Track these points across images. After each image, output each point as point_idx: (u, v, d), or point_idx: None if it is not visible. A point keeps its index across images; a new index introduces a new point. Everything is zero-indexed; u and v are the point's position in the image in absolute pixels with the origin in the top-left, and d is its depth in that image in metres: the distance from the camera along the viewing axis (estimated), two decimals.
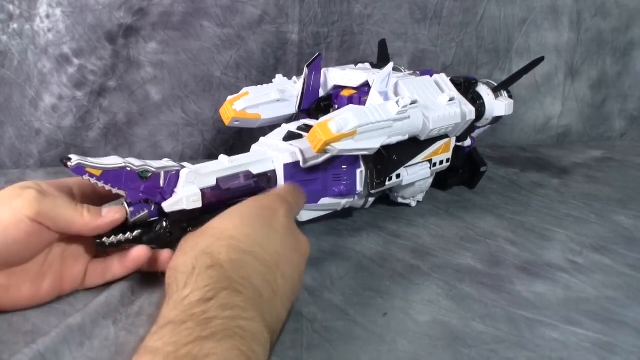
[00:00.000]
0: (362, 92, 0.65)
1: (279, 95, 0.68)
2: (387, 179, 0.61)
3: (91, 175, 0.40)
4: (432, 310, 0.48)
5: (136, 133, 0.91)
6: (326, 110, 0.67)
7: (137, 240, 0.44)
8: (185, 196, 0.45)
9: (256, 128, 0.69)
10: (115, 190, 0.42)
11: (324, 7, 0.95)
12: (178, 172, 0.45)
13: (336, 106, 0.67)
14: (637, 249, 0.63)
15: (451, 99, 0.63)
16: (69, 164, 0.40)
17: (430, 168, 0.66)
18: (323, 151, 0.51)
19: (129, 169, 0.42)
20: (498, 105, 0.72)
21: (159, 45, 0.89)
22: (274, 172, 0.53)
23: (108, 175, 0.41)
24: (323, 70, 0.69)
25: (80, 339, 0.41)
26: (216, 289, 0.31)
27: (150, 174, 0.43)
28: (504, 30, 1.09)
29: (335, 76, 0.69)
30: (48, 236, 0.40)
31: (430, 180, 0.71)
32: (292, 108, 0.69)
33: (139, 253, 0.44)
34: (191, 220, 0.46)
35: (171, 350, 0.27)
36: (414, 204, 0.72)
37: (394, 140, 0.56)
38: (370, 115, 0.53)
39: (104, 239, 0.43)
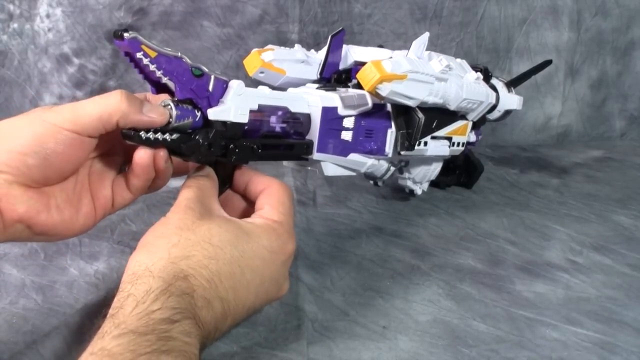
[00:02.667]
0: None
1: (304, 56, 0.68)
2: (417, 143, 0.61)
3: (145, 55, 0.37)
4: (433, 310, 0.48)
5: None
6: (346, 83, 0.67)
7: (174, 145, 0.40)
8: (234, 106, 0.43)
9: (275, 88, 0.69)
10: (165, 80, 0.39)
11: (324, 6, 0.95)
12: (226, 82, 0.43)
13: (355, 81, 0.67)
14: (637, 248, 0.63)
15: (477, 78, 0.65)
16: (125, 35, 0.36)
17: (449, 147, 0.67)
18: (373, 91, 0.51)
19: (184, 60, 0.40)
20: (511, 99, 0.74)
21: (159, 45, 0.89)
22: (308, 117, 0.51)
23: (163, 59, 0.38)
24: (345, 47, 0.69)
25: (80, 339, 0.41)
26: (183, 315, 0.33)
27: (202, 73, 0.41)
28: (503, 30, 1.09)
29: (357, 51, 0.69)
30: (88, 145, 0.38)
31: (439, 167, 0.72)
32: (313, 74, 0.68)
33: (139, 154, 0.40)
34: (232, 138, 0.43)
35: (129, 357, 0.28)
36: (419, 191, 0.73)
37: (431, 100, 0.57)
38: (419, 65, 0.54)
39: (141, 133, 0.39)
